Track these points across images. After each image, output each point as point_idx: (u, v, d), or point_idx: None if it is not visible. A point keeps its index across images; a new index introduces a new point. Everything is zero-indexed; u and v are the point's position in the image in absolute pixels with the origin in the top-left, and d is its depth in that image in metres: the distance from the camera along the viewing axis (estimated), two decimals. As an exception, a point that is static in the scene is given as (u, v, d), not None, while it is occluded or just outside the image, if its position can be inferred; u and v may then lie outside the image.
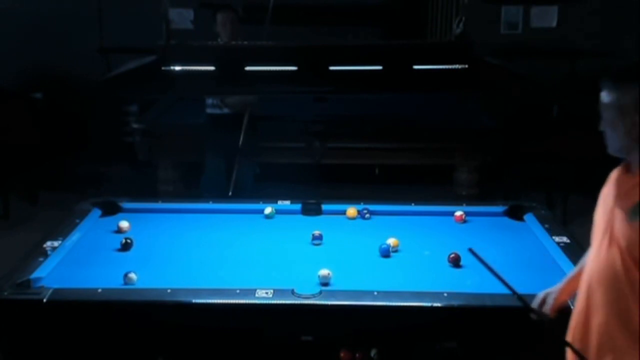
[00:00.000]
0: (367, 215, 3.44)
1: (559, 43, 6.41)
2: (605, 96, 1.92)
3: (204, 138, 5.00)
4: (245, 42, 4.88)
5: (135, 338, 2.31)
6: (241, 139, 4.67)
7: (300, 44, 5.25)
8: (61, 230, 3.18)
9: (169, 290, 2.55)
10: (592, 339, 1.97)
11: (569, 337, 2.04)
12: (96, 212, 3.48)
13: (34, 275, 2.68)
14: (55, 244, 3.00)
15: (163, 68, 4.72)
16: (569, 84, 6.25)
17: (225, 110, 4.90)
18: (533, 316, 2.18)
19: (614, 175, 2.01)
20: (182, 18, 6.32)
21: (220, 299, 2.51)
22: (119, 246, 3.08)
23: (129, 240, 3.10)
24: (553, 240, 3.06)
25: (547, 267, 2.87)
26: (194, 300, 2.38)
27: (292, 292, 2.53)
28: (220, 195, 4.47)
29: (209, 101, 4.93)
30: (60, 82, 6.50)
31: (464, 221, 3.40)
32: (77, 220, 3.31)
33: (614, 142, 1.95)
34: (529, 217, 3.39)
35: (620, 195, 1.92)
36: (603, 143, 1.96)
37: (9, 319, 2.57)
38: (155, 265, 2.91)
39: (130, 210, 3.53)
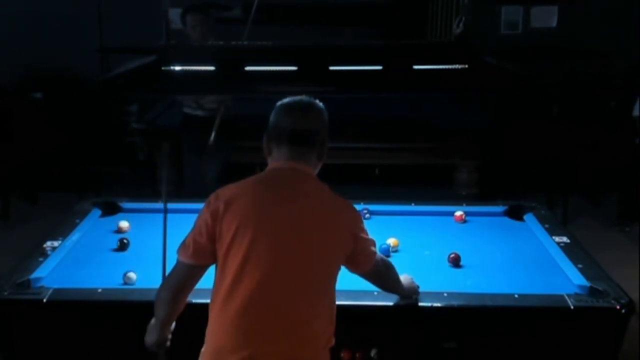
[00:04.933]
0: (367, 215, 3.43)
1: (559, 43, 6.41)
2: None
3: (181, 136, 5.01)
4: (245, 42, 4.88)
5: (135, 338, 2.31)
6: (212, 135, 4.65)
7: (300, 44, 5.26)
8: (61, 230, 3.18)
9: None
10: None
11: None
12: (96, 212, 3.48)
13: (34, 275, 2.69)
14: (55, 244, 3.01)
15: (163, 68, 4.72)
16: (569, 84, 6.24)
17: (199, 112, 4.91)
18: None
19: None
20: (182, 18, 6.30)
21: (220, 299, 2.49)
22: (116, 247, 3.08)
23: (125, 241, 3.11)
24: (553, 240, 3.06)
25: (547, 267, 2.87)
26: (194, 300, 2.37)
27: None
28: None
29: (185, 100, 4.94)
30: (60, 81, 6.50)
31: (464, 221, 3.40)
32: (77, 220, 3.32)
33: None
34: (529, 217, 3.39)
35: None
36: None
37: (9, 319, 2.57)
38: (156, 265, 2.89)
39: (130, 210, 3.53)
